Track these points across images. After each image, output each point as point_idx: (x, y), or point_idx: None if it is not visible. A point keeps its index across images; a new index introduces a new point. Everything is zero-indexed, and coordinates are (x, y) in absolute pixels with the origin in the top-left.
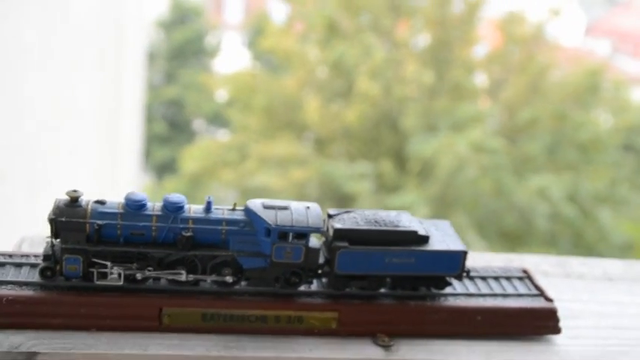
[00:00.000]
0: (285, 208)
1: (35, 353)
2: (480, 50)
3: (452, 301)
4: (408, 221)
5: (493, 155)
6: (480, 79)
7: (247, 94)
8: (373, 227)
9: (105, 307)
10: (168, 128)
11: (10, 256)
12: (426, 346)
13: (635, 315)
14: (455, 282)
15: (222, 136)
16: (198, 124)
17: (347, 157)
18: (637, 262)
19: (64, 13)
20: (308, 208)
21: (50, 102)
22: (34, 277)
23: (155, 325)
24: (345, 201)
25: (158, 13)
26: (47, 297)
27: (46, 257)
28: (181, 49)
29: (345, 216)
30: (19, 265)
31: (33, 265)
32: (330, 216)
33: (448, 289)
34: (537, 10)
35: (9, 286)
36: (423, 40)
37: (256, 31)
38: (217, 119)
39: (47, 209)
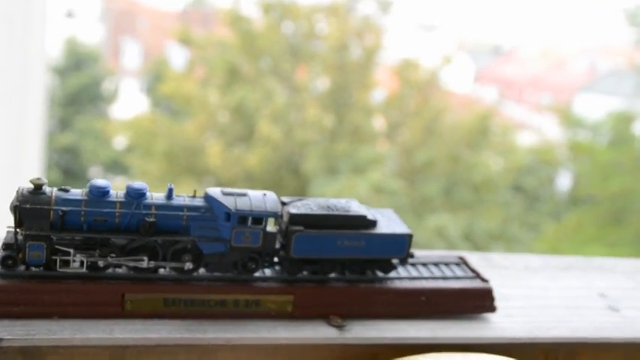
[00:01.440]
0: (243, 194)
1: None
2: (378, 95)
3: (398, 284)
4: (357, 207)
5: (393, 196)
6: (378, 123)
7: (147, 140)
8: (326, 212)
9: (67, 293)
10: (63, 176)
11: None
12: (376, 326)
13: (558, 297)
14: (399, 267)
15: (120, 183)
16: (94, 171)
17: None
18: (554, 257)
19: None
20: (265, 195)
21: None
22: None
23: (118, 311)
24: None
25: (52, 58)
26: (9, 285)
27: (7, 246)
28: (77, 95)
29: (299, 203)
30: None
31: None
32: (284, 203)
33: (393, 273)
34: (430, 58)
35: None
36: (323, 84)
37: (155, 77)
38: (115, 166)
39: None
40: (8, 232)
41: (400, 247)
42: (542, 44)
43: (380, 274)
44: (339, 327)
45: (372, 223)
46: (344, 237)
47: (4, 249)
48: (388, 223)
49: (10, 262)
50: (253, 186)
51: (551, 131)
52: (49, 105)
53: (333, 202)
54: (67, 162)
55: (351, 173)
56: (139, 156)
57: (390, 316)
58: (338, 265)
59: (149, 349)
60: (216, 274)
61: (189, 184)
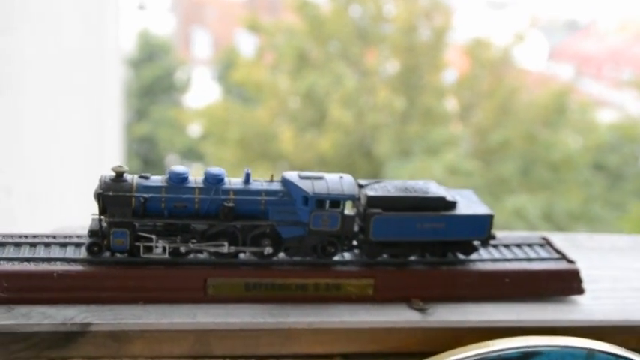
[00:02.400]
0: (320, 178)
1: (89, 324)
2: (449, 75)
3: (480, 266)
4: (435, 189)
5: (468, 177)
6: (451, 104)
7: (221, 127)
8: (404, 194)
9: (151, 279)
10: (143, 165)
11: (54, 237)
12: (459, 309)
13: None
14: (480, 249)
15: (197, 170)
16: (171, 159)
17: None
18: None
19: (57, 37)
20: (341, 178)
21: (44, 126)
22: (81, 254)
23: (200, 295)
24: None
25: (127, 51)
26: (96, 271)
27: (92, 233)
28: (151, 86)
29: (376, 185)
30: (64, 245)
31: (77, 244)
32: (361, 186)
33: (474, 255)
34: (502, 36)
35: (58, 263)
36: (392, 67)
37: (225, 65)
38: (191, 154)
39: (46, 221)
40: (93, 219)
41: (481, 228)
42: (621, 17)
43: (461, 256)
44: (421, 310)
45: (452, 205)
46: (423, 219)
47: (89, 236)
48: (468, 204)
49: (95, 248)
50: (326, 170)
51: (633, 107)
52: (126, 97)
53: (411, 184)
54: (145, 151)
55: (424, 155)
56: (214, 143)
57: (473, 299)
58: (418, 248)
59: (232, 333)
60: (295, 258)
61: (263, 169)
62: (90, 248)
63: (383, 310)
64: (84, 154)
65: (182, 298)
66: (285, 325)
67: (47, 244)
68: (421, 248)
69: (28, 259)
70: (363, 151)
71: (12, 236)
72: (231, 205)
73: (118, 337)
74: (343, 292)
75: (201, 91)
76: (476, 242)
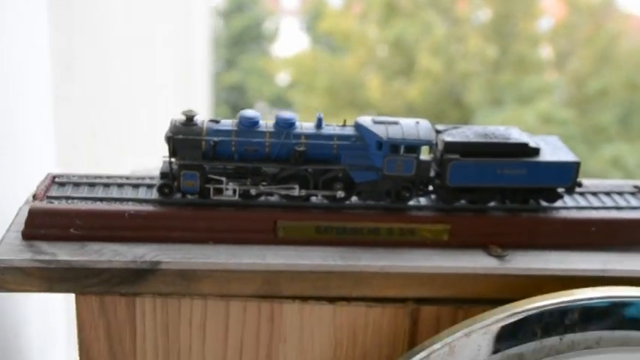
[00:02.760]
0: (395, 123)
1: (158, 262)
2: (544, 23)
3: (564, 213)
4: (517, 134)
5: (562, 126)
6: (545, 52)
7: (309, 76)
8: (484, 140)
9: (221, 220)
10: (232, 112)
11: (127, 178)
12: (540, 257)
13: None
14: (566, 196)
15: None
16: (260, 107)
17: None
18: None
19: None
20: (417, 122)
21: (131, 74)
22: (152, 195)
23: (271, 237)
24: None
25: (216, 2)
26: (167, 211)
27: (163, 175)
28: (240, 36)
29: (454, 131)
30: (136, 186)
31: (149, 186)
32: (438, 131)
33: (559, 203)
34: None
35: (130, 203)
36: (484, 14)
37: (313, 15)
38: (279, 102)
39: (133, 165)
40: (164, 162)
41: (566, 175)
42: None
43: (544, 203)
44: (499, 257)
45: (535, 151)
46: (503, 165)
47: (160, 178)
48: (553, 150)
49: (166, 190)
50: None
51: None
52: (215, 47)
53: (492, 129)
54: (234, 99)
55: (516, 104)
56: (302, 91)
57: (555, 247)
58: (498, 194)
59: (302, 275)
60: (369, 202)
61: (351, 117)
62: (161, 189)
63: (458, 255)
64: (170, 101)
65: (252, 239)
66: (357, 268)
67: (120, 185)
68: (501, 194)
69: (101, 199)
70: (453, 99)
71: (87, 177)
72: (302, 149)
73: (187, 275)
74: (417, 238)
75: (290, 41)
76: (560, 190)
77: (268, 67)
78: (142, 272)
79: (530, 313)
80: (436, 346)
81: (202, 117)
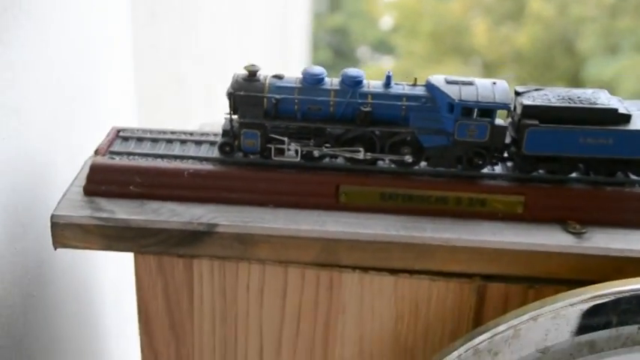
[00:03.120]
0: (469, 83)
1: (215, 225)
2: None
3: None
4: (606, 99)
5: None
6: None
7: (413, 19)
8: (567, 104)
9: (282, 183)
10: (333, 56)
11: (191, 134)
12: (623, 235)
13: None
14: None
15: (387, 62)
16: (362, 51)
17: (517, 81)
18: None
19: None
20: (494, 83)
21: (221, 17)
22: (214, 153)
23: (332, 202)
24: None
25: None
26: (226, 171)
27: (224, 133)
28: None
29: (535, 93)
30: (199, 143)
31: (212, 143)
32: (517, 93)
33: None
34: None
35: (190, 161)
36: None
37: None
38: (382, 46)
39: (221, 111)
40: (226, 118)
41: None
42: None
43: (633, 177)
44: (578, 234)
45: (624, 118)
46: (587, 133)
47: (222, 136)
48: None
49: (227, 148)
50: (522, 67)
51: None
52: None
53: (577, 92)
54: (337, 43)
55: (634, 52)
56: (404, 35)
57: None
58: (580, 165)
59: (362, 245)
60: (438, 169)
61: (454, 64)
62: (222, 148)
63: (532, 230)
64: (264, 46)
65: (313, 203)
66: (421, 240)
67: (183, 142)
68: (585, 165)
69: (162, 156)
70: (564, 46)
71: (150, 132)
72: (368, 109)
73: (244, 239)
74: (488, 209)
75: None
76: None
77: (372, 10)
78: (199, 234)
79: (607, 299)
80: (500, 328)
81: (265, 72)
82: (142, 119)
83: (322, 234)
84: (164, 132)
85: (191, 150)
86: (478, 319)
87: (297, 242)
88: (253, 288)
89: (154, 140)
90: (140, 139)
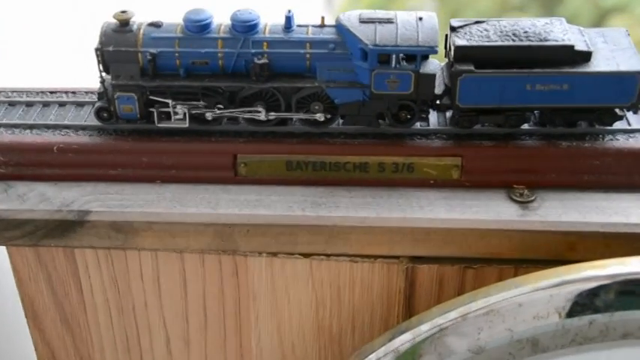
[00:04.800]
0: (388, 21)
1: (87, 212)
2: None
3: (622, 141)
4: (561, 32)
5: None
6: None
7: None
8: (510, 43)
9: (168, 154)
10: None
11: (74, 92)
12: (581, 201)
13: None
14: (627, 119)
15: None
16: None
17: None
18: None
19: None
20: (420, 19)
21: None
22: (92, 120)
23: (229, 176)
24: None
25: None
26: (103, 144)
27: (100, 95)
28: None
29: (474, 29)
30: (80, 105)
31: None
32: (452, 29)
33: (618, 125)
34: None
35: (63, 131)
36: None
37: None
38: None
39: None
40: (100, 78)
41: (626, 90)
42: None
43: (597, 126)
44: (524, 203)
45: (583, 56)
46: (536, 79)
47: (98, 98)
48: (611, 53)
49: (105, 114)
50: None
51: None
52: None
53: (525, 25)
54: None
55: None
56: None
57: (604, 189)
58: (531, 116)
59: (261, 229)
60: (355, 127)
61: None
62: (98, 113)
63: (469, 200)
64: None
65: (207, 178)
66: (330, 220)
67: (62, 105)
68: (539, 117)
69: (32, 127)
70: None
71: (26, 93)
72: (264, 61)
73: (122, 228)
74: (417, 175)
75: None
76: (618, 111)
77: None
78: (69, 224)
79: (552, 290)
80: (423, 328)
81: (140, 19)
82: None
83: (214, 218)
84: (42, 91)
85: (69, 116)
86: (411, 305)
87: (184, 229)
88: (147, 277)
89: (29, 104)
90: (12, 104)
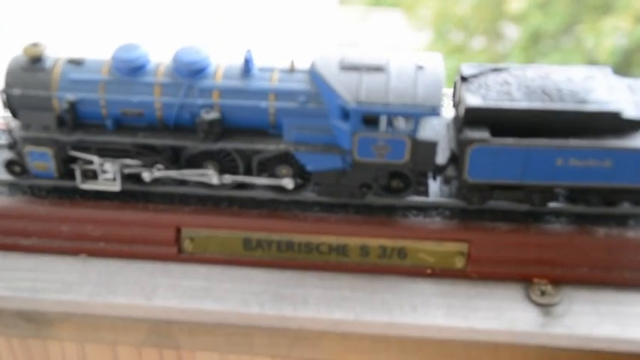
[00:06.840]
0: (378, 68)
1: None
2: None
3: None
4: (605, 90)
5: None
6: None
7: None
8: (539, 105)
9: (95, 224)
10: None
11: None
12: (620, 307)
13: None
14: None
15: None
16: None
17: None
18: None
19: None
20: (421, 68)
21: None
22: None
23: (171, 252)
24: None
25: None
26: (14, 207)
27: (10, 146)
28: None
29: (491, 78)
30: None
31: None
32: (463, 79)
33: None
34: None
35: None
36: None
37: None
38: None
39: None
40: (6, 123)
41: None
42: None
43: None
44: (546, 306)
45: (632, 126)
46: (570, 153)
47: (8, 148)
48: None
49: (17, 168)
50: None
51: None
52: None
53: (559, 78)
54: None
55: None
56: None
57: None
58: (559, 195)
59: (208, 327)
60: (332, 199)
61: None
62: (9, 167)
63: (477, 298)
64: None
65: (143, 253)
66: (295, 322)
67: None
68: (568, 196)
69: None
70: None
71: None
72: (213, 115)
73: (33, 318)
74: (411, 262)
75: None
76: None
77: None
78: None
79: None
80: None
81: (59, 53)
82: None
83: (148, 312)
84: None
85: None
86: None
87: (111, 323)
88: None
89: None
90: None
